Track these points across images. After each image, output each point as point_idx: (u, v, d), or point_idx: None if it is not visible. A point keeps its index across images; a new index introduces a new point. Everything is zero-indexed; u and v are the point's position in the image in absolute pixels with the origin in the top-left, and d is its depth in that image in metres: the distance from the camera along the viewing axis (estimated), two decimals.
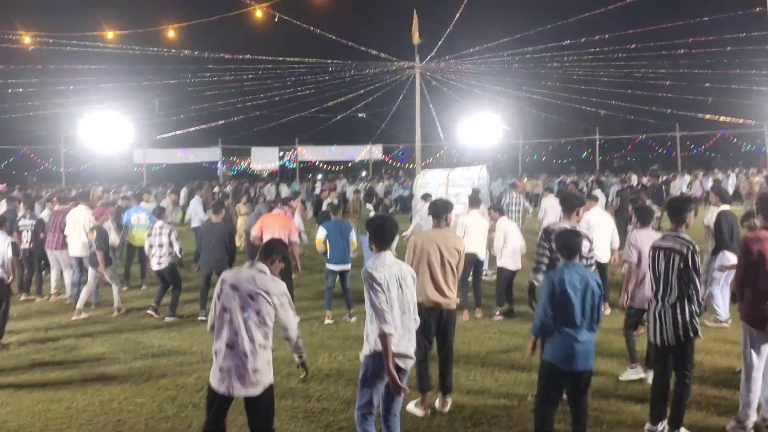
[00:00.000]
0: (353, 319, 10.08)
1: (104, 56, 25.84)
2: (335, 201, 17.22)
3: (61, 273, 12.27)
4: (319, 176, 52.37)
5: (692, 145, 49.14)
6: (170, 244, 10.67)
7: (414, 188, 23.02)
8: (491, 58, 28.22)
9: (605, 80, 31.64)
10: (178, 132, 39.30)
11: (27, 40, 19.34)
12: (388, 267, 4.73)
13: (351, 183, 37.83)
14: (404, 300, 4.76)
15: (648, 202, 11.34)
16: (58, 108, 32.72)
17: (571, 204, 6.73)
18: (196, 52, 25.88)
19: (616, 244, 10.33)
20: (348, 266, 10.23)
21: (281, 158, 48.26)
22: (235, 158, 52.75)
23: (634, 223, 7.61)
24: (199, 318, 10.32)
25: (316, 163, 52.07)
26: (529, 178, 36.27)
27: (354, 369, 6.95)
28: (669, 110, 36.37)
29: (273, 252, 4.79)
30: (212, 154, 46.54)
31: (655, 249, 5.61)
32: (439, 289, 6.13)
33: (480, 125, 31.40)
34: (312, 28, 22.40)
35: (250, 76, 30.46)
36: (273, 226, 10.17)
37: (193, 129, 39.18)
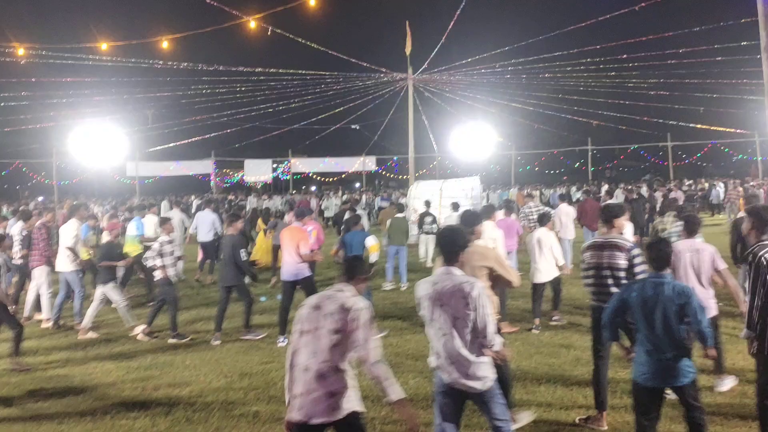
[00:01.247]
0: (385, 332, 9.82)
1: (96, 69, 25.85)
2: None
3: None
4: (313, 188, 52.39)
5: (684, 155, 49.36)
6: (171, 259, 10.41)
7: (408, 199, 23.05)
8: (484, 69, 28.34)
9: (597, 91, 31.83)
10: (171, 144, 39.27)
11: (21, 52, 19.30)
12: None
13: (334, 195, 37.86)
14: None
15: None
16: (49, 121, 32.64)
17: (611, 213, 6.39)
18: (189, 65, 25.88)
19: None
20: None
21: (274, 170, 48.23)
22: (228, 170, 52.68)
23: (680, 234, 7.43)
24: (213, 342, 9.78)
25: (310, 175, 52.04)
26: (520, 190, 36.50)
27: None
28: (661, 120, 36.58)
29: (355, 271, 4.47)
30: (205, 166, 46.50)
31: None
32: None
33: (473, 136, 31.46)
34: (305, 40, 22.44)
35: (243, 89, 30.49)
36: (285, 239, 10.06)
37: (186, 141, 39.17)
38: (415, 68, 28.94)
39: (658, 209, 13.06)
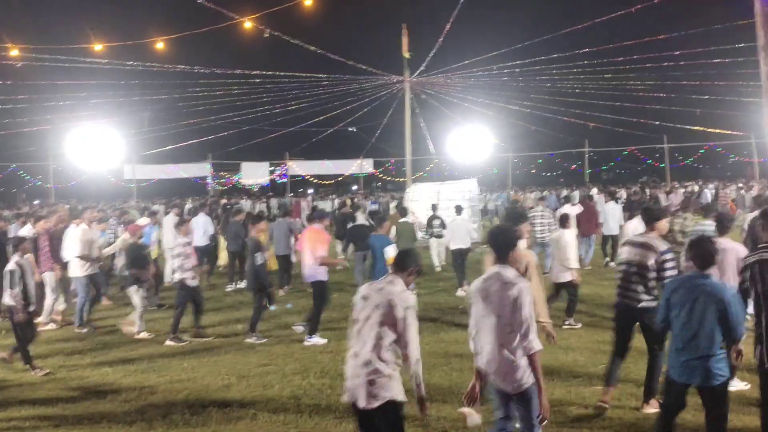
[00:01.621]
0: None
1: (92, 71, 25.78)
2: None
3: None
4: (310, 190, 52.39)
5: (680, 157, 49.45)
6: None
7: (405, 201, 23.07)
8: (480, 72, 28.35)
9: (594, 93, 31.80)
10: (168, 147, 39.23)
11: (15, 53, 19.25)
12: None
13: (323, 198, 37.91)
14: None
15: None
16: (46, 124, 32.55)
17: (652, 215, 6.52)
18: (186, 67, 25.85)
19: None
20: None
21: (271, 173, 48.23)
22: (225, 173, 52.67)
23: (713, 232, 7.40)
24: (248, 340, 9.85)
25: (307, 178, 52.05)
26: (516, 191, 36.65)
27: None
28: (657, 122, 36.64)
29: (406, 263, 4.65)
30: (202, 169, 46.47)
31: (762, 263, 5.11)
32: None
33: (470, 139, 31.47)
34: (302, 43, 22.42)
35: (240, 91, 30.45)
36: (304, 240, 10.14)
37: (182, 144, 39.11)
38: (412, 71, 28.95)
39: (679, 207, 12.99)
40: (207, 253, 15.24)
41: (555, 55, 25.45)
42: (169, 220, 14.65)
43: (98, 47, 17.09)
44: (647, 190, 28.22)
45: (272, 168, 48.09)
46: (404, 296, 4.42)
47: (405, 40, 27.14)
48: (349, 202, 34.14)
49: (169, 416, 6.73)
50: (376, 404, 4.30)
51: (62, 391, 7.74)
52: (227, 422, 6.53)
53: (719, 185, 32.37)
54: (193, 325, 10.38)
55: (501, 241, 4.72)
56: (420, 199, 21.87)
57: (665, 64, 24.73)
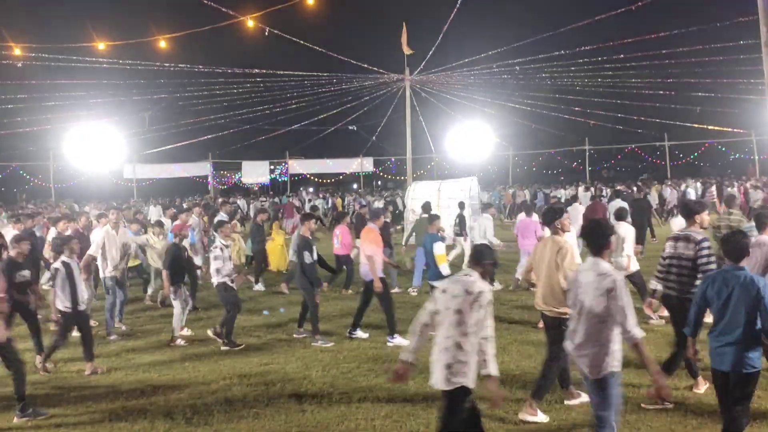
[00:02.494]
0: None
1: (93, 71, 25.80)
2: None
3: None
4: (310, 189, 52.36)
5: (681, 155, 49.36)
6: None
7: (405, 200, 23.05)
8: (481, 70, 28.34)
9: (594, 91, 31.85)
10: (169, 146, 39.24)
11: (16, 53, 19.26)
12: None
13: (329, 196, 37.87)
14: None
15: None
16: (46, 124, 32.57)
17: (691, 209, 6.86)
18: (186, 67, 25.87)
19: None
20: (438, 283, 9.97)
21: (272, 171, 48.22)
22: (225, 172, 52.67)
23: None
24: (320, 344, 9.52)
25: (307, 177, 52.04)
26: (506, 189, 36.78)
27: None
28: (658, 120, 36.62)
29: (482, 256, 4.95)
30: (203, 168, 46.47)
31: None
32: (555, 293, 6.23)
33: (470, 137, 31.51)
34: (302, 41, 22.44)
35: (241, 90, 30.47)
36: (361, 239, 10.10)
37: (183, 143, 39.12)
38: (412, 69, 28.96)
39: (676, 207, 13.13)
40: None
41: (556, 53, 25.46)
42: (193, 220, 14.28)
43: (99, 46, 17.08)
44: (634, 188, 28.15)
45: (273, 167, 48.07)
46: (480, 286, 4.74)
47: (405, 38, 27.15)
48: (340, 201, 34.16)
49: (171, 415, 6.73)
50: (448, 388, 4.65)
51: (63, 390, 7.74)
52: (229, 421, 6.53)
53: (708, 183, 32.38)
54: (218, 324, 10.02)
55: (595, 235, 4.95)
56: (420, 198, 21.83)
57: (666, 61, 24.75)
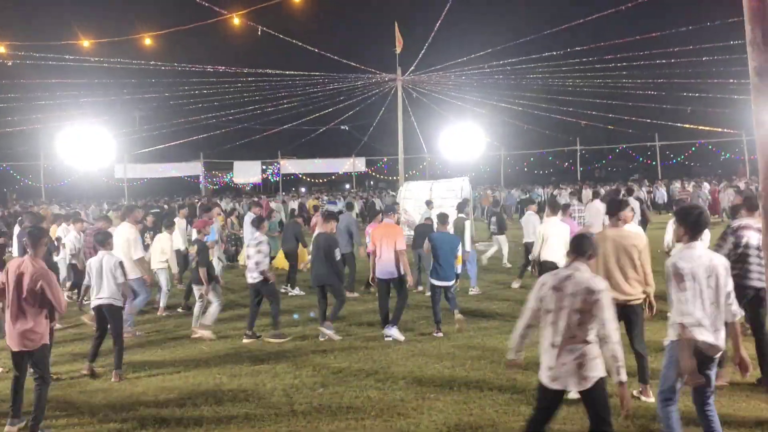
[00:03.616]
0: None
1: (83, 70, 25.69)
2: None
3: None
4: (303, 189, 52.31)
5: (672, 155, 49.59)
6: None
7: (398, 199, 23.10)
8: (472, 70, 28.37)
9: (586, 91, 31.93)
10: (160, 146, 39.10)
11: (4, 51, 19.14)
12: (697, 258, 4.78)
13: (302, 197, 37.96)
14: (713, 291, 4.77)
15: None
16: (36, 123, 32.40)
17: (754, 202, 6.96)
18: (177, 66, 25.79)
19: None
20: (450, 283, 9.90)
21: (264, 171, 48.14)
22: (217, 172, 52.55)
23: None
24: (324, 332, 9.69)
25: (300, 176, 51.98)
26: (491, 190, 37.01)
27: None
28: (649, 120, 36.76)
29: (585, 248, 4.83)
30: (194, 168, 46.35)
31: None
32: (614, 285, 6.21)
33: (462, 137, 31.54)
34: (295, 41, 22.41)
35: (232, 89, 30.40)
36: (381, 236, 9.80)
37: (174, 143, 38.98)
38: (404, 69, 28.97)
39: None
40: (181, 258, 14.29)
41: (547, 54, 25.52)
42: (179, 223, 13.95)
43: (86, 44, 16.98)
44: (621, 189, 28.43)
45: (265, 167, 47.99)
46: (596, 281, 4.67)
47: (398, 37, 27.16)
48: (313, 202, 34.13)
49: (161, 415, 6.70)
50: (588, 386, 4.58)
51: (52, 390, 7.68)
52: (219, 421, 6.50)
53: (686, 183, 32.89)
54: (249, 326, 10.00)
55: (694, 221, 4.93)
56: (413, 198, 21.86)
57: (656, 61, 24.85)
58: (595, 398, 4.62)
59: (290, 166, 47.67)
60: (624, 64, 26.20)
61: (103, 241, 8.61)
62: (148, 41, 16.74)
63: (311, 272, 10.30)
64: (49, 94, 28.63)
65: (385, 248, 9.68)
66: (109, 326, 8.31)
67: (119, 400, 7.25)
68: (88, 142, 29.29)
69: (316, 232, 11.06)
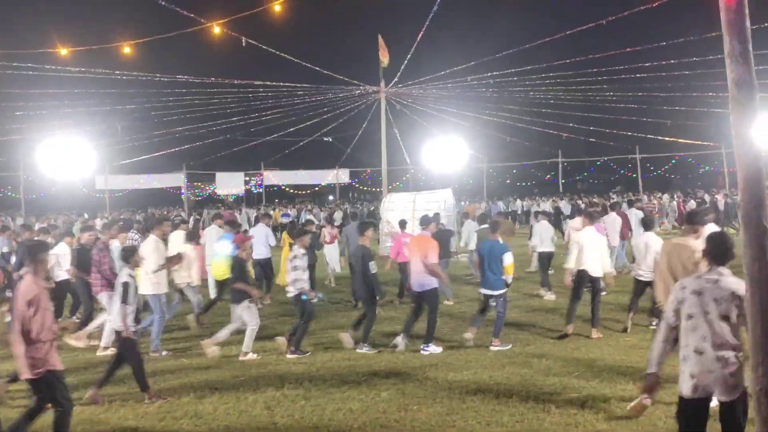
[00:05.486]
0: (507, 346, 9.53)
1: (64, 80, 25.47)
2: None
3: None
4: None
5: (652, 167, 50.12)
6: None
7: (381, 211, 23.10)
8: (455, 82, 28.51)
9: (567, 104, 32.14)
10: (142, 157, 38.81)
11: None
12: None
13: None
14: None
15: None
16: (15, 134, 32.05)
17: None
18: (160, 76, 25.66)
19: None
20: (500, 292, 9.71)
21: (247, 183, 47.99)
22: (199, 183, 52.29)
23: None
24: (365, 351, 9.54)
25: (283, 188, 51.88)
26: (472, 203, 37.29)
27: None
28: (629, 133, 37.09)
29: (726, 253, 4.60)
30: (177, 179, 46.09)
31: None
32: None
33: (446, 149, 31.66)
34: (278, 51, 22.37)
35: (215, 100, 30.29)
36: (412, 248, 9.75)
37: (156, 154, 38.72)
38: (388, 81, 29.04)
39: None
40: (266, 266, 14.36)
41: (529, 67, 25.70)
42: (177, 235, 13.54)
43: (64, 52, 16.82)
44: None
45: (248, 178, 47.84)
46: (742, 285, 4.37)
47: (382, 50, 27.25)
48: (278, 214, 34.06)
49: (141, 428, 6.61)
50: (735, 395, 4.34)
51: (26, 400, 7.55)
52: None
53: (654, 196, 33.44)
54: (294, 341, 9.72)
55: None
56: (396, 209, 21.86)
57: (637, 75, 25.09)
58: (735, 411, 4.36)
59: (273, 177, 47.56)
60: (605, 77, 26.46)
61: (128, 257, 8.12)
62: (127, 50, 16.62)
63: (352, 286, 10.11)
64: (28, 104, 28.36)
65: (414, 260, 9.61)
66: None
67: (97, 413, 7.12)
68: (68, 153, 29.06)
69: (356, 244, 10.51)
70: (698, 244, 6.60)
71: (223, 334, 9.69)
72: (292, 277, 9.69)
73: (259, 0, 14.29)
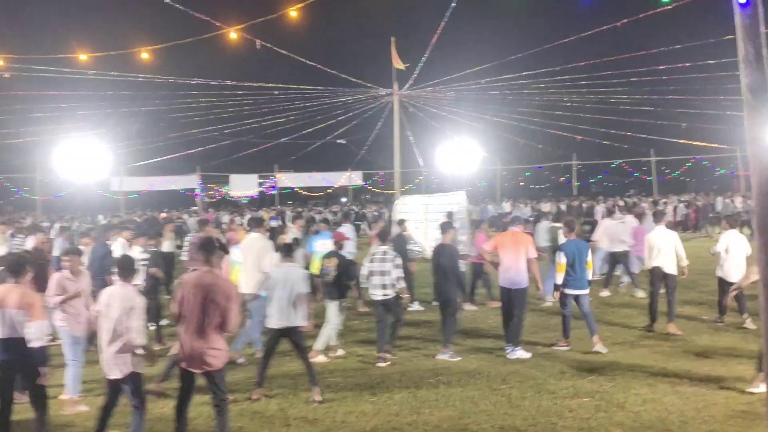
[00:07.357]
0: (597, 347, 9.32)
1: (80, 83, 25.72)
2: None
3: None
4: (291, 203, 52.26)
5: (667, 170, 49.77)
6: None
7: (392, 214, 23.10)
8: (469, 85, 28.49)
9: (581, 106, 32.02)
10: (156, 159, 39.08)
11: (1, 63, 19.17)
12: None
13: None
14: None
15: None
16: (32, 136, 32.39)
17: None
18: (174, 79, 25.85)
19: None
20: (585, 291, 9.67)
21: (260, 185, 48.16)
22: (213, 185, 52.53)
23: None
24: (447, 357, 9.18)
25: (296, 190, 52.01)
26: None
27: None
28: (644, 135, 36.90)
29: None
30: (190, 181, 46.32)
31: None
32: None
33: (459, 151, 31.63)
34: (292, 54, 22.46)
35: (229, 103, 30.45)
36: (509, 244, 9.46)
37: (171, 156, 38.96)
38: (401, 84, 29.06)
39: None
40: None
41: (543, 69, 25.65)
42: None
43: (83, 57, 17.00)
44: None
45: (261, 180, 48.00)
46: None
47: (394, 53, 27.28)
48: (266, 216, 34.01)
49: (154, 431, 6.65)
50: None
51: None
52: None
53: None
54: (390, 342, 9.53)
55: None
56: (408, 212, 21.84)
57: (651, 78, 24.99)
58: None
59: (287, 179, 47.70)
60: (620, 79, 26.36)
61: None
62: (145, 55, 16.77)
63: (434, 287, 9.80)
64: (46, 107, 28.65)
65: (509, 256, 9.34)
66: None
67: (72, 424, 7.14)
68: (84, 155, 29.27)
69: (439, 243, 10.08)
70: None
71: (322, 341, 9.39)
72: (395, 276, 9.13)
73: (273, 3, 14.39)
